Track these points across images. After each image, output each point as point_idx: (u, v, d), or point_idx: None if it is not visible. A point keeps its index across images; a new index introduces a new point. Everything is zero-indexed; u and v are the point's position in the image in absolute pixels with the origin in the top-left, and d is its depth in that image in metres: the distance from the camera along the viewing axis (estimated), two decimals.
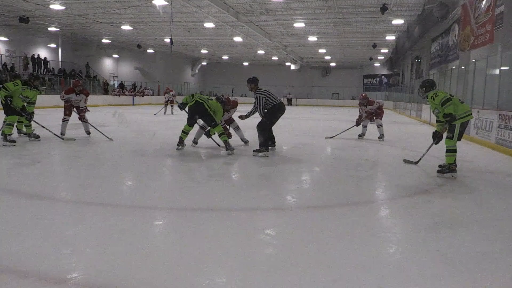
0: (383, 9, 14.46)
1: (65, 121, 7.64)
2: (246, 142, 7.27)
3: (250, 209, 3.48)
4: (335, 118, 17.63)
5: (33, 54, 24.02)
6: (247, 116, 6.69)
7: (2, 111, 6.74)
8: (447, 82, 13.44)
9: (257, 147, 6.20)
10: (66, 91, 7.69)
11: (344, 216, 3.33)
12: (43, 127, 7.19)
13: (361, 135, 8.88)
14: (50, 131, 7.29)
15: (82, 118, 7.76)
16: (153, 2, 15.42)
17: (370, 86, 37.54)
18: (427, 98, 5.15)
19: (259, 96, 6.18)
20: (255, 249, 2.54)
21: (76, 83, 7.71)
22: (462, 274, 2.23)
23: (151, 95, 29.67)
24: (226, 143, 6.22)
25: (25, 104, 6.90)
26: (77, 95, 7.57)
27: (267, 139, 6.25)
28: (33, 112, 7.01)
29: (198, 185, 4.38)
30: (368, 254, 2.47)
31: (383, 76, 37.55)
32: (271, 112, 6.25)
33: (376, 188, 4.60)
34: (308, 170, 5.59)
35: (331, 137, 8.79)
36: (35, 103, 7.15)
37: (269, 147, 6.39)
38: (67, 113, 7.65)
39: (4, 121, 6.68)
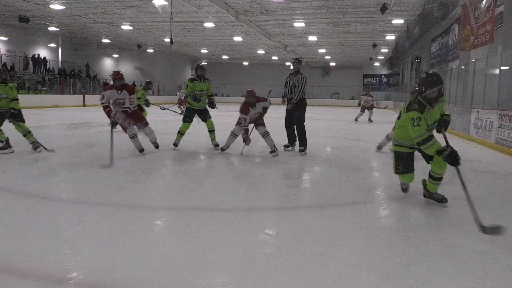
0: (383, 9, 14.45)
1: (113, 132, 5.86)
2: (274, 150, 6.13)
3: (250, 209, 3.48)
4: (336, 118, 17.62)
5: (33, 54, 24.02)
6: (295, 100, 6.35)
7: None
8: (447, 82, 13.42)
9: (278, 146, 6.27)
10: (105, 89, 6.13)
11: (344, 216, 3.32)
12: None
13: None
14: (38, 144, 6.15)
15: (139, 125, 6.12)
16: (153, 2, 15.41)
17: (370, 85, 37.41)
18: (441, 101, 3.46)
19: (306, 80, 6.37)
20: (255, 249, 2.54)
21: (116, 75, 5.84)
22: (462, 274, 2.23)
23: (151, 95, 29.64)
24: (214, 141, 6.26)
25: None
26: (119, 92, 5.80)
27: (305, 137, 6.41)
28: (9, 109, 5.81)
29: (198, 185, 4.38)
30: (368, 254, 2.47)
31: (383, 76, 37.52)
32: (300, 106, 6.38)
33: (376, 188, 4.59)
34: (308, 170, 5.58)
35: (379, 150, 7.00)
36: (14, 99, 5.87)
37: (288, 145, 6.56)
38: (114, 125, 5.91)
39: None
